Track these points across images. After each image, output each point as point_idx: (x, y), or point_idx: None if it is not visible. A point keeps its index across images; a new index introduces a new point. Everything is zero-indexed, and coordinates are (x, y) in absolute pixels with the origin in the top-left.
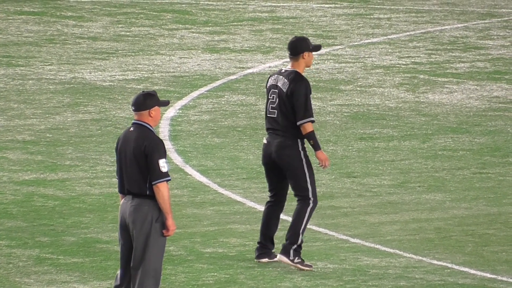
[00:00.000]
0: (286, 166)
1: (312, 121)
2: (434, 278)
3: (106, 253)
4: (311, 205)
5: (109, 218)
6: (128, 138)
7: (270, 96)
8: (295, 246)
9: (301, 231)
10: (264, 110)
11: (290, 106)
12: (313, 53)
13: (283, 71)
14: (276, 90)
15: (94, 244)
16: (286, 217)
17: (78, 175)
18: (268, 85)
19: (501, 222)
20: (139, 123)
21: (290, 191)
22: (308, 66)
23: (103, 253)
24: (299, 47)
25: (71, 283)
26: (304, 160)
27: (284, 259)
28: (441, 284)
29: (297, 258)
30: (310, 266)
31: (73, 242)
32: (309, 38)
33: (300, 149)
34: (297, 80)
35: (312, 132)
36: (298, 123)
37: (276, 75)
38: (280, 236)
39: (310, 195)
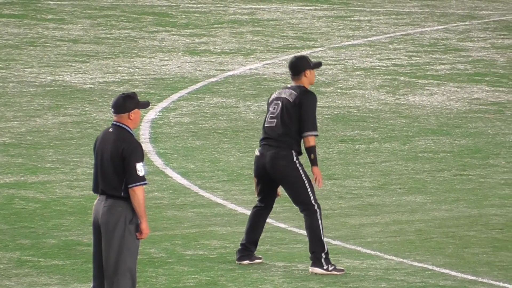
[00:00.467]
0: (282, 177)
1: (316, 135)
2: (415, 280)
3: (87, 256)
4: (317, 211)
5: (89, 221)
6: (106, 139)
7: (271, 108)
8: (324, 254)
9: (323, 238)
10: (263, 123)
11: (295, 115)
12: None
13: (289, 86)
14: (279, 101)
15: (75, 247)
16: (274, 222)
17: (58, 177)
18: (270, 99)
19: (481, 224)
20: (119, 125)
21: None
22: (312, 84)
23: (84, 256)
24: (300, 66)
25: (52, 286)
26: (300, 168)
27: (318, 270)
28: (422, 286)
29: (330, 265)
30: (343, 270)
31: (54, 245)
32: (289, 40)
33: (295, 159)
34: (307, 93)
35: (314, 147)
36: (304, 134)
37: (280, 90)
38: (260, 238)
39: (313, 202)
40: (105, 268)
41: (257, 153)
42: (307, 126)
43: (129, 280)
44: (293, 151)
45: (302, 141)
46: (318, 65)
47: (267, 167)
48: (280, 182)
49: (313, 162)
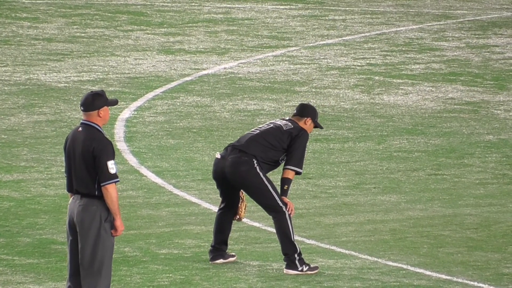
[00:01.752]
0: (243, 183)
1: (299, 173)
2: (389, 279)
3: (62, 254)
4: (286, 212)
5: (64, 219)
6: (77, 138)
7: (260, 125)
8: (297, 255)
9: (293, 239)
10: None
11: (281, 140)
12: (313, 127)
13: (286, 118)
14: (272, 124)
15: (49, 245)
16: (249, 221)
17: (33, 176)
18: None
19: (456, 224)
20: (88, 123)
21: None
22: (309, 132)
23: (58, 254)
24: (307, 112)
25: (26, 284)
26: (261, 173)
27: (293, 272)
28: (396, 285)
29: (304, 266)
30: (317, 267)
31: (28, 243)
32: (264, 39)
33: (255, 165)
34: (303, 130)
35: (291, 181)
36: (287, 166)
37: (276, 119)
38: (234, 237)
39: (281, 204)
40: (81, 266)
41: (217, 155)
42: (294, 160)
43: (104, 278)
44: (254, 160)
45: (269, 166)
46: (319, 126)
47: (226, 171)
48: (242, 187)
49: (285, 192)
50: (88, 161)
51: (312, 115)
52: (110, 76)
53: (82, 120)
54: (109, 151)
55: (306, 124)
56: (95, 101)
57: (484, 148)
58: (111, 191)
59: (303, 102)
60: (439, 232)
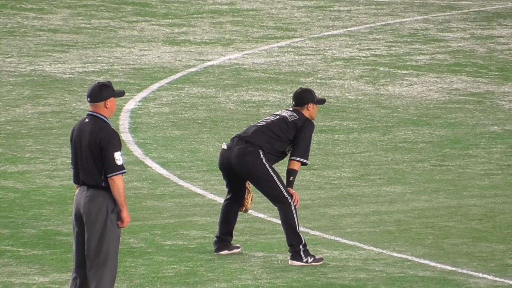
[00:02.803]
0: (249, 174)
1: (305, 164)
2: (394, 270)
3: (66, 245)
4: (291, 204)
5: (69, 211)
6: (83, 129)
7: (266, 117)
8: (302, 246)
9: (298, 231)
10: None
11: (287, 132)
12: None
13: (290, 109)
14: (277, 115)
15: (54, 236)
16: (254, 213)
17: (38, 167)
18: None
19: (461, 215)
20: (95, 114)
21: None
22: (313, 118)
23: (63, 245)
24: (304, 98)
25: (31, 275)
26: (267, 164)
27: (298, 263)
28: (401, 276)
29: (309, 257)
30: (321, 258)
31: (33, 235)
32: (269, 30)
33: (261, 155)
34: (308, 120)
35: (297, 172)
36: (293, 158)
37: (282, 110)
38: (239, 228)
39: (286, 195)
40: (87, 257)
41: (224, 146)
42: (300, 151)
43: (110, 269)
44: (260, 150)
45: (275, 157)
46: (322, 101)
47: (232, 162)
48: (248, 178)
49: (290, 184)
50: (94, 153)
51: (310, 99)
52: (115, 67)
53: (89, 111)
54: (116, 142)
55: (309, 109)
56: (102, 92)
57: (489, 139)
58: (117, 182)
59: (296, 91)
60: (444, 223)
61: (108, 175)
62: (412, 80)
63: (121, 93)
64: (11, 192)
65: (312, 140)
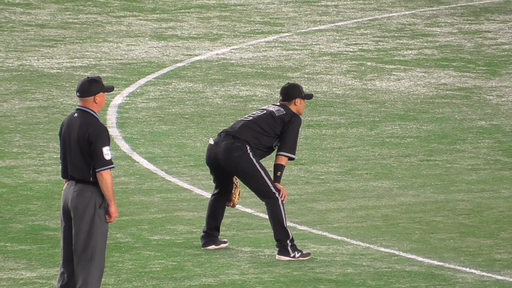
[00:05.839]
0: (236, 169)
1: (292, 159)
2: (382, 265)
3: (54, 240)
4: (278, 199)
5: (56, 205)
6: (72, 124)
7: (253, 112)
8: (289, 241)
9: (285, 226)
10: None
11: (274, 126)
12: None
13: (277, 104)
14: (264, 110)
15: (41, 231)
16: (241, 208)
17: (25, 162)
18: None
19: (448, 209)
20: (84, 109)
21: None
22: (300, 114)
23: (50, 240)
24: (292, 93)
25: (18, 270)
26: (254, 160)
27: (285, 258)
28: (389, 271)
29: (296, 252)
30: (309, 253)
31: (21, 229)
32: (257, 25)
33: (249, 151)
34: (295, 115)
35: (284, 167)
36: (280, 153)
37: (269, 105)
38: (227, 223)
39: (273, 190)
40: (74, 252)
41: (211, 141)
42: (287, 146)
43: (98, 264)
44: (247, 145)
45: (263, 152)
46: (309, 96)
47: (219, 157)
48: (235, 173)
49: (278, 179)
50: (83, 147)
51: (298, 94)
52: (102, 62)
53: (78, 106)
54: (105, 137)
55: (297, 104)
56: (91, 87)
57: (476, 133)
58: (106, 177)
59: (283, 86)
60: (431, 218)
61: (97, 170)
62: (400, 75)
63: (110, 88)
64: None
65: (299, 135)
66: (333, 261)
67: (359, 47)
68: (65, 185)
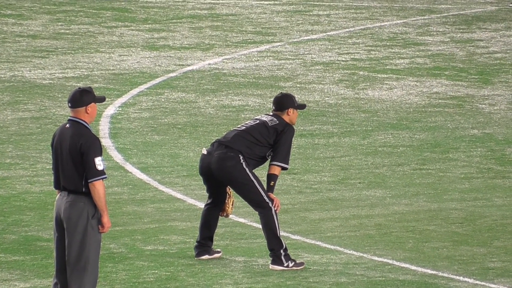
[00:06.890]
0: (229, 179)
1: (285, 169)
2: (375, 274)
3: (47, 251)
4: (272, 208)
5: (49, 216)
6: (64, 135)
7: (246, 121)
8: (282, 251)
9: (279, 235)
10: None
11: (267, 136)
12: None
13: (270, 114)
14: (257, 120)
15: (35, 242)
16: (234, 217)
17: (18, 173)
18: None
19: (441, 218)
20: (75, 120)
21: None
22: (293, 123)
23: (44, 251)
24: (285, 103)
25: (12, 281)
26: (247, 169)
27: (279, 268)
28: (382, 280)
29: (290, 261)
30: (302, 263)
31: (14, 240)
32: (249, 34)
33: (242, 160)
34: (288, 125)
35: (277, 177)
36: (273, 162)
37: (262, 115)
38: (220, 233)
39: (267, 200)
40: (68, 263)
41: (204, 151)
42: (280, 156)
43: (91, 274)
44: (240, 155)
45: (256, 161)
46: (302, 106)
47: (213, 167)
48: (228, 183)
49: (271, 188)
50: (75, 158)
51: (291, 104)
52: (94, 72)
53: (70, 116)
54: (97, 147)
55: (289, 114)
56: (83, 97)
57: (469, 142)
58: (98, 187)
59: (276, 95)
60: (425, 226)
61: (89, 180)
62: (392, 84)
63: (102, 99)
64: None
65: (292, 144)
66: (327, 270)
67: (351, 56)
68: (58, 195)
